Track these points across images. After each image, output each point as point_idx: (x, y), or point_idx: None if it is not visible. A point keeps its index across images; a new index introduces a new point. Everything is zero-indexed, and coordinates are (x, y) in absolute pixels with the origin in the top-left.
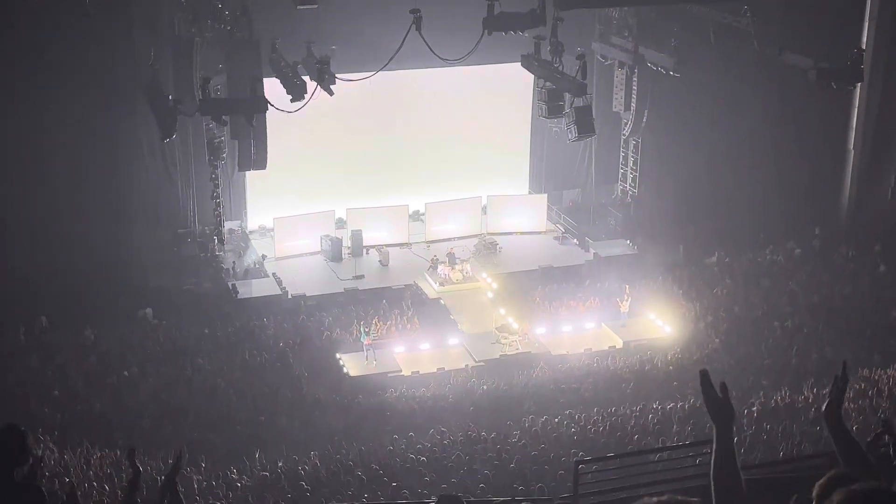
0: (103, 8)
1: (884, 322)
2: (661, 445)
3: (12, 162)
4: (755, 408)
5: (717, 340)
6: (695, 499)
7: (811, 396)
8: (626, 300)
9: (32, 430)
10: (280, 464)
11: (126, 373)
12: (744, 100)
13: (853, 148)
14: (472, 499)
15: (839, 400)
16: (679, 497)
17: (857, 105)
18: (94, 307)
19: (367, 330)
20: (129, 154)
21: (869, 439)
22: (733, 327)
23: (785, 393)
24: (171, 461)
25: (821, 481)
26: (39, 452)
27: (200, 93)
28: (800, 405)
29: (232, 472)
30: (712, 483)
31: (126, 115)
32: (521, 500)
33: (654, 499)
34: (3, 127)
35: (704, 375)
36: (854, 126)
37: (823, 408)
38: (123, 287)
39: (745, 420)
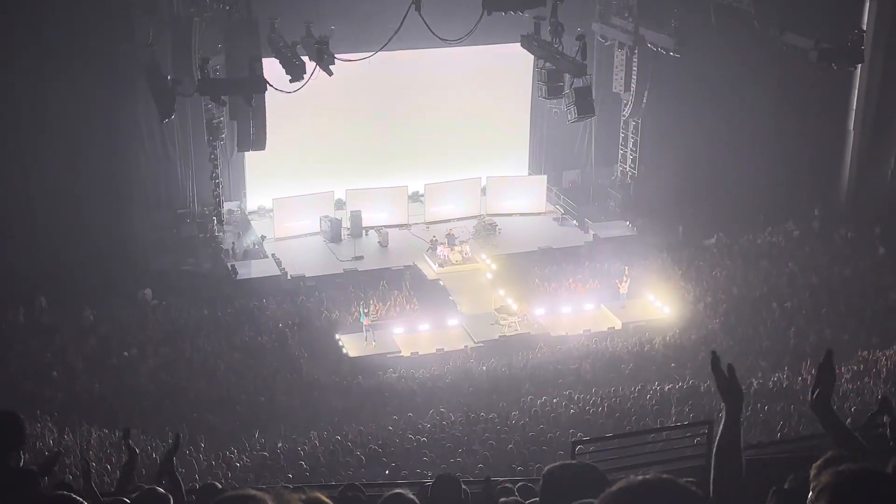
0: None
1: (882, 304)
2: (659, 426)
3: (11, 143)
4: (753, 388)
5: (715, 321)
6: (685, 479)
7: (809, 377)
8: (626, 282)
9: (32, 411)
10: (279, 444)
11: (126, 353)
12: (744, 80)
13: (853, 129)
14: (471, 479)
15: (828, 391)
16: (664, 475)
17: (857, 86)
18: (94, 288)
19: (366, 311)
20: (127, 135)
21: (865, 419)
22: (732, 308)
23: (783, 374)
24: (168, 443)
25: (817, 462)
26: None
27: (199, 73)
28: (798, 386)
29: (231, 452)
30: (713, 461)
31: (125, 95)
32: (520, 480)
33: (640, 477)
34: (1, 108)
35: (714, 357)
36: (854, 107)
37: (812, 398)
38: (123, 268)
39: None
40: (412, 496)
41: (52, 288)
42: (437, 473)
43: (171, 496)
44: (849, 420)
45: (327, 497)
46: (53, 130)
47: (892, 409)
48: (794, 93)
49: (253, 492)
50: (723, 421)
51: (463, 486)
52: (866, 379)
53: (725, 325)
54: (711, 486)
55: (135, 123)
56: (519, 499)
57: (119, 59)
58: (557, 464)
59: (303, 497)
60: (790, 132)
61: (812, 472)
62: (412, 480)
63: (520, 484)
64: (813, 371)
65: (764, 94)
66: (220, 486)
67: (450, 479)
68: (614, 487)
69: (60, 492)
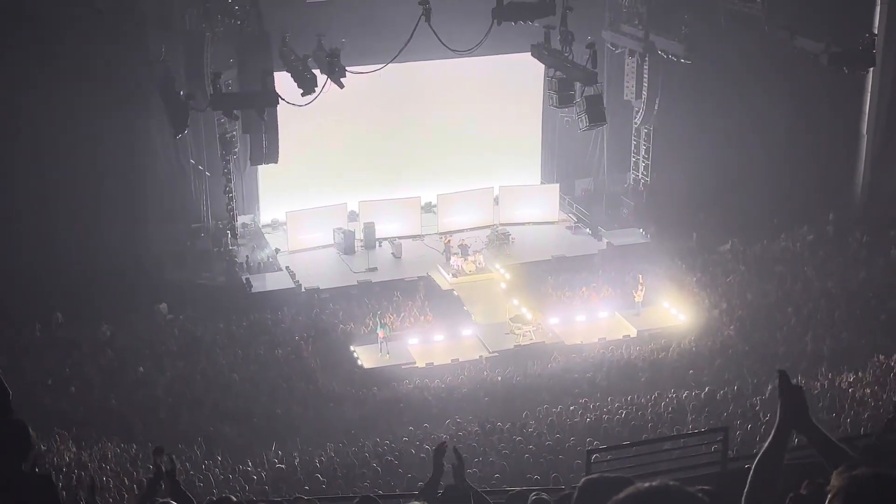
0: (114, 4)
1: None
2: (675, 434)
3: (27, 159)
4: (769, 394)
5: (731, 328)
6: (700, 486)
7: (826, 383)
8: (641, 290)
9: (49, 425)
10: (296, 456)
11: (142, 367)
12: (755, 85)
13: (866, 132)
14: (488, 489)
15: (801, 408)
16: (671, 482)
17: (869, 89)
18: (110, 303)
19: (383, 322)
20: (142, 150)
21: (883, 424)
22: (747, 314)
23: (800, 379)
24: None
25: (839, 469)
26: (44, 447)
27: (212, 87)
28: (815, 391)
29: (248, 465)
30: (753, 469)
31: (139, 111)
32: (536, 490)
33: (646, 484)
34: (17, 124)
35: (783, 376)
36: (867, 110)
37: (781, 419)
38: (138, 282)
39: (758, 408)
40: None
41: (68, 303)
42: (448, 485)
43: None
44: (867, 426)
45: None
46: (69, 146)
47: None
48: (806, 97)
49: None
50: (773, 434)
51: (482, 495)
52: (882, 384)
53: (741, 332)
54: (745, 495)
55: (149, 139)
56: (544, 497)
57: (133, 75)
58: (594, 475)
59: None
60: (803, 137)
61: (832, 478)
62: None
63: (534, 497)
64: (830, 376)
65: (776, 99)
66: (235, 499)
67: (459, 490)
68: (622, 495)
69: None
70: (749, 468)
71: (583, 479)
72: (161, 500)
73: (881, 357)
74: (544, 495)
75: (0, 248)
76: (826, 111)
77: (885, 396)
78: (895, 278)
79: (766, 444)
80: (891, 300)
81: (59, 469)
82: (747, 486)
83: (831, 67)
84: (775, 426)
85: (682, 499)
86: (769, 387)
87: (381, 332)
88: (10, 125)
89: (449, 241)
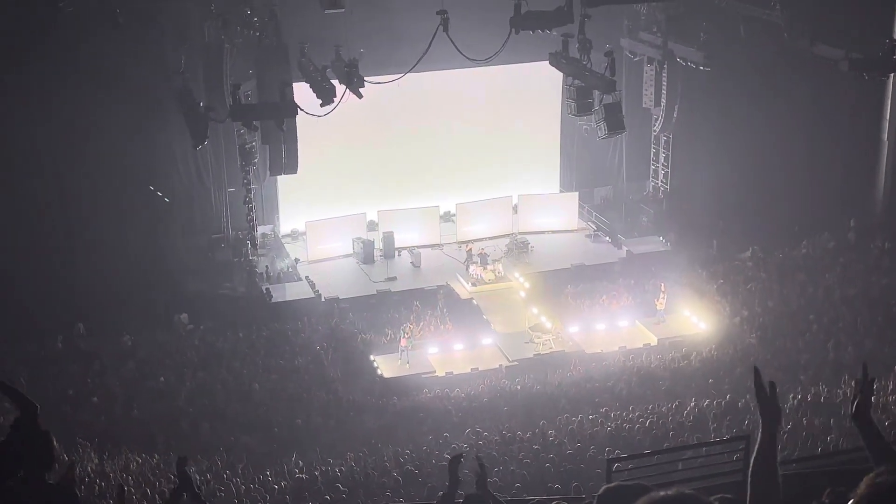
0: (134, 17)
1: None
2: (697, 442)
3: (48, 172)
4: (792, 403)
5: (752, 336)
6: (722, 495)
7: (848, 391)
8: (663, 298)
9: (72, 436)
10: (316, 466)
11: (163, 378)
12: (775, 93)
13: (887, 139)
14: (508, 498)
15: (868, 400)
16: (687, 491)
17: (889, 95)
18: (131, 314)
19: (407, 333)
20: (163, 161)
21: None
22: (769, 322)
23: (822, 388)
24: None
25: (869, 475)
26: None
27: (231, 99)
28: (838, 399)
29: (269, 475)
30: (749, 479)
31: (159, 122)
32: (557, 499)
33: (661, 493)
34: (37, 136)
35: (757, 373)
36: (888, 116)
37: (853, 409)
38: (159, 293)
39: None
40: None
41: (90, 314)
42: (469, 494)
43: None
44: (890, 433)
45: None
46: (90, 158)
47: None
48: (826, 104)
49: None
50: (759, 438)
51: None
52: None
53: (763, 340)
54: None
55: (169, 151)
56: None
57: (153, 87)
58: (612, 484)
59: None
60: (823, 143)
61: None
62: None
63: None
64: (853, 384)
65: (795, 106)
66: None
67: (476, 499)
68: (639, 503)
69: None
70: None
71: (602, 488)
72: None
73: None
74: None
75: (22, 261)
76: (846, 118)
77: None
78: None
79: (756, 447)
80: None
81: (81, 480)
82: (749, 492)
83: (851, 74)
84: (759, 429)
85: None
86: (789, 395)
87: (403, 340)
88: (32, 137)
89: (470, 248)
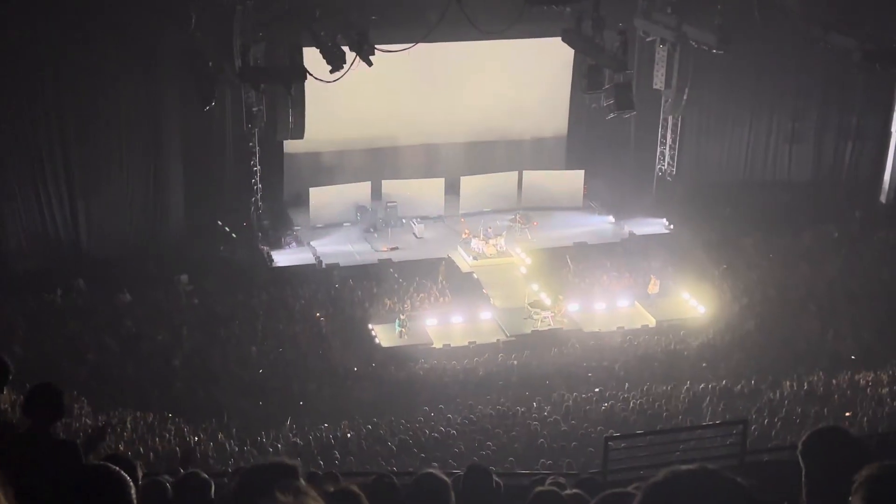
0: None
1: None
2: (691, 425)
3: (51, 124)
4: (788, 391)
5: (752, 322)
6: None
7: (845, 381)
8: (655, 283)
9: (68, 392)
10: (311, 431)
11: (160, 337)
12: (786, 79)
13: (895, 131)
14: (501, 472)
15: None
16: (710, 466)
17: None
18: (131, 272)
19: (402, 321)
20: (168, 122)
21: None
22: (768, 310)
23: (819, 377)
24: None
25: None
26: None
27: (240, 60)
28: (833, 389)
29: (262, 438)
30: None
31: (167, 82)
32: (549, 475)
33: (685, 467)
34: (42, 87)
35: None
36: None
37: None
38: (160, 253)
39: (775, 403)
40: (443, 476)
41: (90, 271)
42: (468, 465)
43: (212, 482)
44: (885, 425)
45: (359, 485)
46: (95, 116)
47: None
48: (837, 93)
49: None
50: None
51: (495, 478)
52: None
53: (761, 327)
54: None
55: (175, 111)
56: (561, 481)
57: (161, 45)
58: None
59: (331, 489)
60: (831, 133)
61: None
62: (444, 471)
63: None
64: (849, 374)
65: (806, 94)
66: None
67: (481, 470)
68: (659, 476)
69: (102, 463)
70: (767, 461)
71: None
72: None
73: None
74: (561, 480)
75: (25, 216)
76: (856, 108)
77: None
78: None
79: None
80: None
81: (77, 435)
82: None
83: (864, 64)
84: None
85: (720, 483)
86: (785, 382)
87: (399, 332)
88: (36, 87)
89: (468, 234)
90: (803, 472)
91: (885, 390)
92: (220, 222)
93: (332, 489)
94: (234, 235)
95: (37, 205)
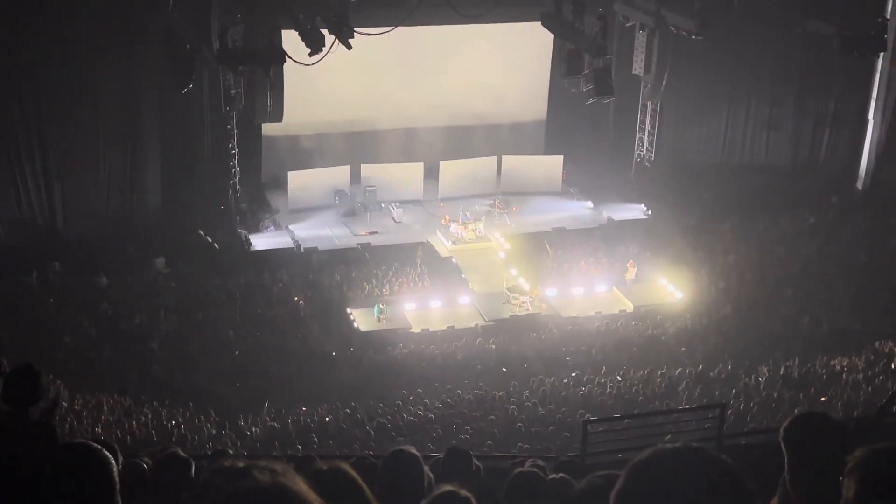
0: None
1: None
2: (668, 408)
3: (27, 103)
4: (764, 375)
5: (728, 307)
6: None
7: (821, 365)
8: (631, 270)
9: (45, 374)
10: (288, 415)
11: (137, 320)
12: (765, 65)
13: (872, 118)
14: (479, 455)
15: None
16: (694, 444)
17: (878, 75)
18: (107, 255)
19: (381, 307)
20: (145, 104)
21: (877, 408)
22: (745, 294)
23: (795, 361)
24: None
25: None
26: (53, 395)
27: (218, 42)
28: (809, 374)
29: (240, 422)
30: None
31: (143, 64)
32: (528, 458)
33: (670, 445)
34: (17, 64)
35: None
36: (875, 96)
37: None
38: (137, 236)
39: (751, 387)
40: (415, 451)
41: (66, 253)
42: (446, 449)
43: (192, 461)
44: (860, 410)
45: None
46: (73, 96)
47: None
48: (815, 80)
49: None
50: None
51: (474, 460)
52: (879, 369)
53: (738, 311)
54: None
55: (152, 93)
56: (540, 463)
57: (138, 27)
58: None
59: (323, 467)
60: (809, 119)
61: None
62: (422, 455)
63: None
64: (825, 359)
65: (784, 80)
66: (231, 451)
67: (461, 453)
68: (644, 455)
69: (84, 441)
70: (744, 445)
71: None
72: (168, 450)
73: (877, 343)
74: (540, 462)
75: (0, 199)
76: (834, 94)
77: (878, 381)
78: (894, 266)
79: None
80: (889, 287)
81: (61, 416)
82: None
83: (842, 51)
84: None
85: (705, 461)
86: (761, 367)
87: (377, 317)
88: (9, 65)
89: (448, 218)
90: (786, 459)
91: (860, 375)
92: (201, 231)
93: (324, 467)
94: (216, 246)
95: (12, 187)
